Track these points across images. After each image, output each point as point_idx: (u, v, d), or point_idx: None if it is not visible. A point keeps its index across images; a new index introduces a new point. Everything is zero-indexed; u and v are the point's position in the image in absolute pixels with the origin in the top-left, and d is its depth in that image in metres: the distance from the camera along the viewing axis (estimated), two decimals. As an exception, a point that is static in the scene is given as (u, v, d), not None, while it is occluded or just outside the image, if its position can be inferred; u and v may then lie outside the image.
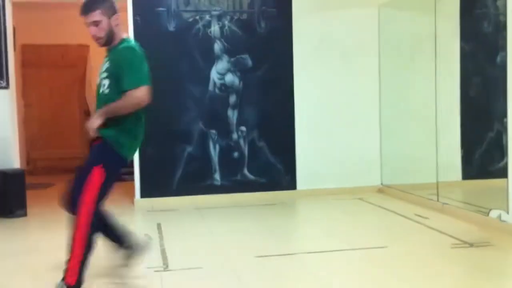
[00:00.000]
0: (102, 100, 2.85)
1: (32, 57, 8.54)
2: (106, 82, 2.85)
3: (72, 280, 2.69)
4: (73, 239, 2.72)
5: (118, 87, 2.80)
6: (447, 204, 4.96)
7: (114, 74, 2.82)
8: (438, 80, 5.25)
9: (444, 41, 5.34)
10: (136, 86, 2.79)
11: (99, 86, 2.92)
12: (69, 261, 2.71)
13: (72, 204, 2.76)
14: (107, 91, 2.84)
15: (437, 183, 5.19)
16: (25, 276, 3.37)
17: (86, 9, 2.82)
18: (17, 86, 6.11)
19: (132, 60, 2.83)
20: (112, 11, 2.85)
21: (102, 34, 2.85)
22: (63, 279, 2.72)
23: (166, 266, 3.41)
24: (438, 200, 5.09)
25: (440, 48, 5.26)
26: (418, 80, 5.79)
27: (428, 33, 5.33)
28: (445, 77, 5.37)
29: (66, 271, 2.71)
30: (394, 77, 6.02)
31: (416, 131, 5.77)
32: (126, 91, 2.79)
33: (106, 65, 2.89)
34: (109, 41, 2.89)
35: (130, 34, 5.63)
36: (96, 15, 2.81)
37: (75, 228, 2.71)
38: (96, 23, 2.82)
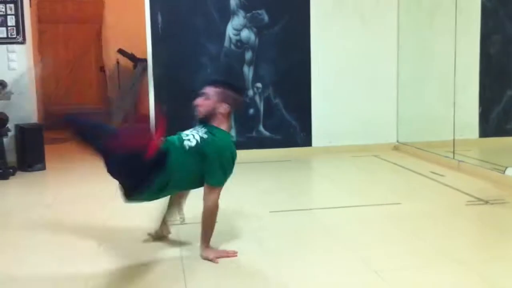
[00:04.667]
0: None
1: (47, 12, 8.52)
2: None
3: None
4: None
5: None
6: (463, 161, 4.94)
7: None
8: (458, 38, 5.15)
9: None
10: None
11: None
12: None
13: None
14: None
15: (454, 140, 5.16)
16: (44, 229, 3.45)
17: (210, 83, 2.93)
18: (34, 42, 6.11)
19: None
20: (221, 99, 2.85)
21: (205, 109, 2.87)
22: None
23: (183, 220, 3.46)
24: (454, 158, 5.07)
25: (461, 5, 5.14)
26: (438, 37, 5.69)
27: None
28: (465, 34, 5.27)
29: None
30: (413, 34, 5.92)
31: (434, 89, 5.71)
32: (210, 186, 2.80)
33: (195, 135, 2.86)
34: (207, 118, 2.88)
35: (145, -12, 5.59)
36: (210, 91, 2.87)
37: None
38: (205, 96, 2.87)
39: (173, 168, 2.71)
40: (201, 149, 2.77)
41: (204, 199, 2.82)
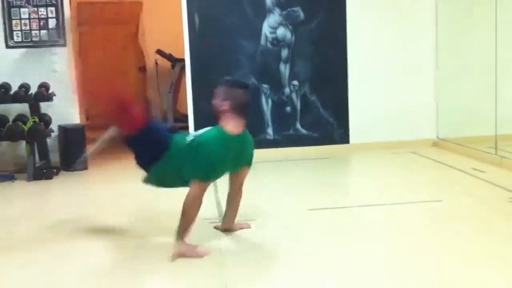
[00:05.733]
0: None
1: (87, 15, 8.68)
2: None
3: None
4: None
5: None
6: (505, 157, 4.83)
7: None
8: (499, 28, 5.03)
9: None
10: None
11: None
12: None
13: None
14: None
15: (496, 136, 5.04)
16: (87, 226, 3.53)
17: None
18: (74, 44, 6.25)
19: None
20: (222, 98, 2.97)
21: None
22: None
23: (221, 218, 3.49)
24: (496, 154, 4.96)
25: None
26: (477, 28, 5.56)
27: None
28: (506, 24, 5.13)
29: None
30: (452, 25, 5.81)
31: (474, 82, 5.59)
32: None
33: None
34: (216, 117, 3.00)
35: (181, -12, 5.65)
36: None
37: None
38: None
39: (173, 156, 2.95)
40: (193, 144, 2.90)
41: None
